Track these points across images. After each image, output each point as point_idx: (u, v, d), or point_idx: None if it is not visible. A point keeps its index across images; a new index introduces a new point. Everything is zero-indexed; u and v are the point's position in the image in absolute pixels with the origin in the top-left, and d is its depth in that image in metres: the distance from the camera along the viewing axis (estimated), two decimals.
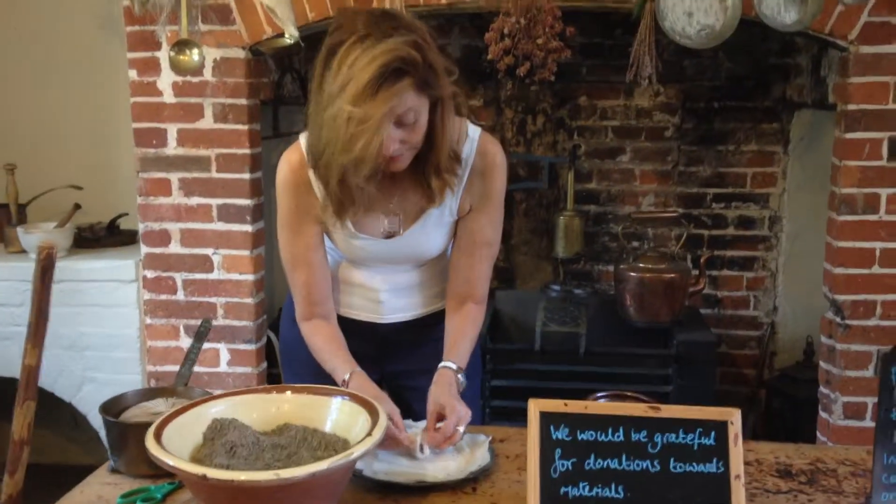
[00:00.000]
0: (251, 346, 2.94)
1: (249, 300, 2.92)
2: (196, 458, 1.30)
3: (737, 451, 1.26)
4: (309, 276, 1.69)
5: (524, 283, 3.69)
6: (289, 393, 1.44)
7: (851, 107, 2.56)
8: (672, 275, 2.90)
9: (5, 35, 3.46)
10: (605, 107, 3.58)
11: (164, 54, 2.78)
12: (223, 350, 2.96)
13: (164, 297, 2.98)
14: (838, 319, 2.66)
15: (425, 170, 1.56)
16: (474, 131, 1.65)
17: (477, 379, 1.93)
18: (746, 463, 1.60)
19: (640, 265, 2.93)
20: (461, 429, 1.55)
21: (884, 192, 2.58)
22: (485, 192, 1.67)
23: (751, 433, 3.34)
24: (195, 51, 2.48)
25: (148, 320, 3.01)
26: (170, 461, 1.19)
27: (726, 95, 3.50)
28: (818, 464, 1.60)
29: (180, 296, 2.97)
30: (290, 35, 2.50)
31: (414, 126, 1.46)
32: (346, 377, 1.62)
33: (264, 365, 3.05)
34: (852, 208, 2.60)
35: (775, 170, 3.51)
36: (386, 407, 1.53)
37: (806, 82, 3.24)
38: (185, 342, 2.97)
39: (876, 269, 2.63)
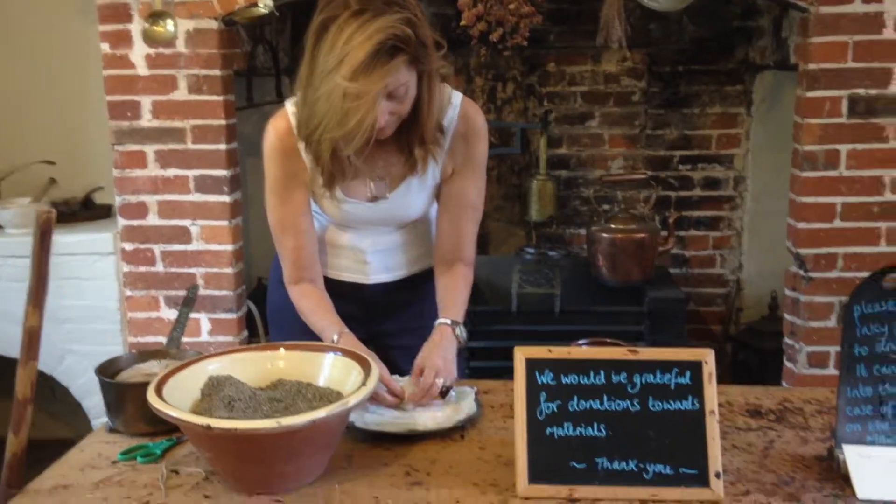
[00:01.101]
0: (232, 315, 2.98)
1: (229, 270, 2.95)
2: (196, 413, 1.35)
3: (711, 388, 1.34)
4: (297, 240, 1.73)
5: (497, 248, 3.76)
6: (282, 350, 1.49)
7: (812, 66, 2.64)
8: (642, 235, 2.98)
9: None
10: (573, 73, 3.65)
11: (136, 27, 2.78)
12: (204, 320, 3.00)
13: (143, 268, 3.00)
14: (802, 272, 2.76)
15: (409, 139, 1.61)
16: (456, 97, 1.70)
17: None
18: (717, 404, 1.69)
19: (612, 226, 3.01)
20: (440, 381, 1.60)
21: (843, 149, 2.67)
22: (467, 157, 1.72)
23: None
24: (169, 21, 2.50)
25: (128, 292, 3.03)
26: (174, 413, 1.24)
27: (691, 59, 3.58)
28: (785, 403, 1.69)
29: (159, 267, 2.99)
30: (265, 4, 2.52)
31: (403, 98, 1.51)
32: (336, 338, 1.67)
33: (245, 333, 3.09)
34: (814, 165, 2.69)
35: (739, 131, 3.61)
36: (376, 361, 1.59)
37: (768, 44, 3.33)
38: (166, 313, 3.00)
39: (837, 223, 2.72)
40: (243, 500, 1.31)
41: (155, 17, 2.50)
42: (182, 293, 2.91)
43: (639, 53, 3.61)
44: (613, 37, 2.35)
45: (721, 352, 3.71)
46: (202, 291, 2.98)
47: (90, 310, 3.11)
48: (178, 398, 1.35)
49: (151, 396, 1.30)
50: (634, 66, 3.63)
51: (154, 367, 1.63)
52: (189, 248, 2.96)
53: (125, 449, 1.49)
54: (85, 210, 3.35)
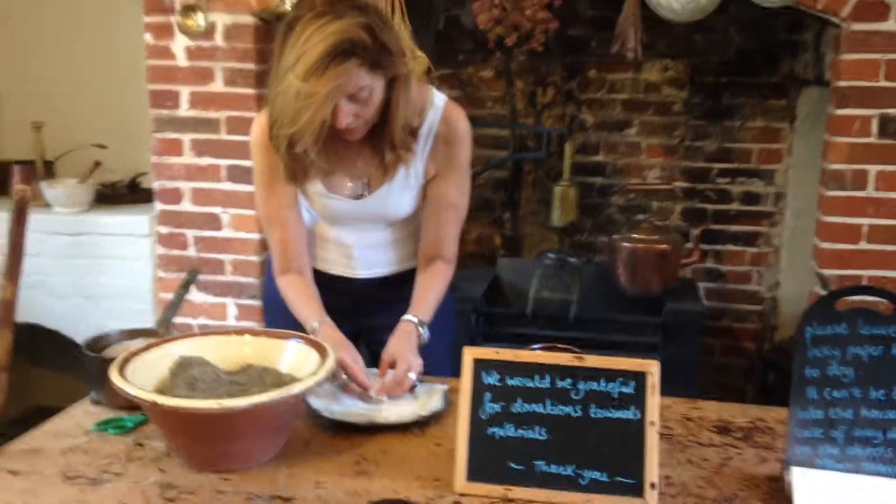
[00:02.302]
0: (257, 302, 3.07)
1: (255, 258, 3.05)
2: (159, 390, 1.42)
3: (653, 399, 1.34)
4: (283, 233, 1.80)
5: (530, 251, 3.76)
6: (247, 336, 1.55)
7: (842, 83, 2.58)
8: (664, 246, 2.96)
9: None
10: (614, 80, 3.63)
11: (177, 19, 2.90)
12: (230, 305, 3.10)
13: (175, 252, 3.12)
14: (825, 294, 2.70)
15: (381, 143, 1.65)
16: (440, 99, 1.74)
17: (448, 337, 2.01)
18: (688, 419, 1.68)
19: (633, 235, 2.99)
20: (412, 375, 1.65)
21: (872, 169, 2.60)
22: (448, 159, 1.76)
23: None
24: (200, 15, 2.60)
25: (160, 273, 3.16)
26: (126, 388, 1.31)
27: (735, 71, 3.52)
28: (758, 422, 1.67)
29: (191, 251, 3.11)
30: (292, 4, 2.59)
31: (367, 101, 1.55)
32: (315, 325, 1.73)
33: None
34: (841, 184, 2.63)
35: (781, 146, 3.53)
36: (349, 353, 1.64)
37: (810, 59, 3.25)
38: (194, 295, 3.11)
39: (863, 245, 2.66)
40: (195, 476, 1.37)
41: (187, 10, 2.60)
42: (211, 278, 3.04)
43: (682, 63, 3.57)
44: (628, 46, 2.35)
45: (753, 370, 3.65)
46: (230, 277, 3.08)
47: (125, 289, 3.25)
48: (145, 375, 1.43)
49: (113, 372, 1.37)
50: (677, 76, 3.59)
51: (140, 345, 1.71)
52: (219, 234, 3.07)
53: (101, 420, 1.57)
54: (130, 193, 3.49)
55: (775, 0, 2.24)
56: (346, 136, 1.62)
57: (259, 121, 1.74)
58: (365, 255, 1.87)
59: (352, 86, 1.51)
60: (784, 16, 3.36)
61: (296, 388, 1.32)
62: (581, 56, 3.60)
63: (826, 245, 2.67)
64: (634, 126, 3.63)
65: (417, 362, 1.68)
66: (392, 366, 1.67)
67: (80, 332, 3.31)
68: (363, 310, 1.94)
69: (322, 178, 1.73)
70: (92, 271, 3.26)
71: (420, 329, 1.76)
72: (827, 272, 2.69)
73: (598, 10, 3.52)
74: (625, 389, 1.35)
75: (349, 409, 1.61)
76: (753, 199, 3.60)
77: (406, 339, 1.71)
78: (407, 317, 1.76)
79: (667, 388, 2.59)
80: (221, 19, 2.87)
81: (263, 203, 1.80)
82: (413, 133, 1.68)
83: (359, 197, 1.76)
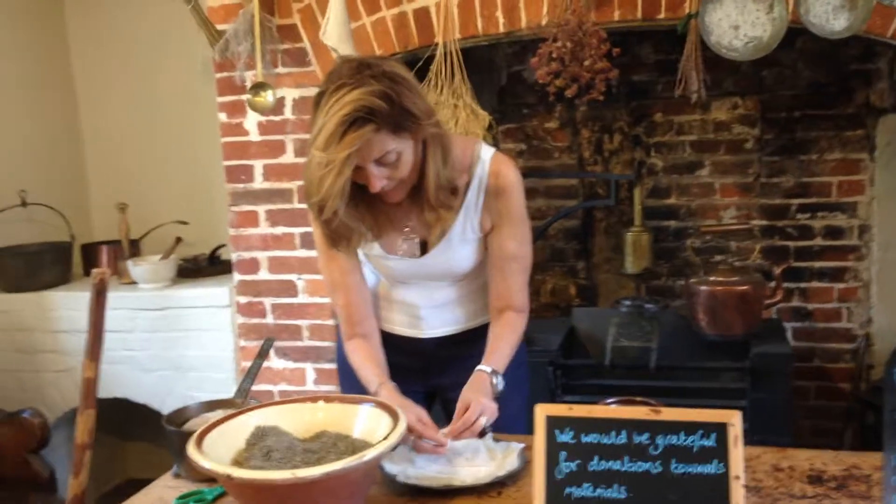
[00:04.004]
0: (333, 365, 3.09)
1: (331, 322, 3.08)
2: (236, 462, 1.43)
3: (737, 452, 1.29)
4: (347, 297, 1.82)
5: (607, 300, 3.71)
6: (321, 402, 1.56)
7: None
8: (744, 287, 2.87)
9: (114, 81, 3.80)
10: (681, 122, 3.59)
11: (248, 97, 3.00)
12: (309, 370, 3.14)
13: (255, 320, 3.19)
14: None
15: (421, 202, 1.67)
16: (487, 153, 1.75)
17: (524, 393, 1.99)
18: (778, 469, 1.61)
19: (712, 278, 2.92)
20: (483, 419, 1.63)
21: None
22: (502, 211, 1.76)
23: (848, 448, 3.23)
24: (269, 92, 2.69)
25: (241, 342, 3.22)
26: (202, 462, 1.33)
27: (807, 104, 3.44)
28: (853, 469, 1.59)
29: (269, 319, 3.17)
30: None
31: (396, 164, 1.58)
32: (375, 389, 1.73)
33: None
34: None
35: (862, 177, 3.42)
36: (412, 412, 1.63)
37: (886, 87, 3.16)
38: (276, 362, 3.16)
39: None
40: None
41: (256, 88, 2.70)
42: (289, 344, 3.08)
43: (751, 100, 3.51)
44: (692, 88, 2.32)
45: (850, 412, 3.48)
46: (307, 342, 3.13)
47: (209, 359, 3.33)
48: (223, 446, 1.44)
49: (190, 446, 1.39)
50: (747, 113, 3.53)
51: (219, 416, 1.74)
52: (295, 301, 3.12)
53: (183, 493, 1.59)
54: (210, 265, 3.59)
55: (841, 30, 2.18)
56: (386, 200, 1.64)
57: None
58: (432, 315, 1.88)
59: (376, 151, 1.53)
60: (855, 45, 3.29)
61: (368, 455, 1.31)
62: (646, 100, 3.59)
63: None
64: (706, 167, 3.58)
65: (491, 407, 1.67)
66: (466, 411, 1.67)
67: (166, 404, 3.39)
68: (432, 368, 1.93)
69: (377, 240, 1.75)
70: (177, 344, 3.35)
71: (494, 378, 1.74)
72: None
73: (661, 55, 3.51)
74: (706, 443, 1.30)
75: (424, 472, 1.59)
76: (837, 234, 3.49)
77: (479, 385, 1.71)
78: (480, 367, 1.76)
79: (758, 436, 2.51)
80: (290, 94, 2.97)
81: (326, 269, 1.83)
82: (454, 191, 1.68)
83: (418, 256, 1.77)
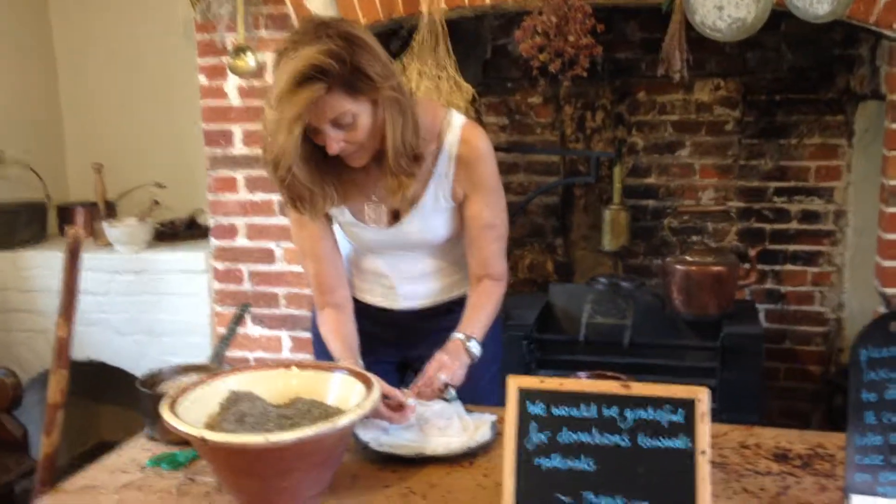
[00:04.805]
0: (309, 334, 3.09)
1: (307, 290, 3.08)
2: (209, 426, 1.44)
3: (704, 427, 1.31)
4: (317, 266, 1.81)
5: (583, 277, 3.73)
6: (295, 369, 1.56)
7: None
8: (719, 268, 2.90)
9: (93, 42, 3.74)
10: (664, 101, 3.59)
11: (229, 60, 2.97)
12: (285, 337, 3.14)
13: (232, 287, 3.18)
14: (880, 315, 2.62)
15: (385, 168, 1.65)
16: (458, 121, 1.73)
17: (496, 365, 2.00)
18: (744, 447, 1.64)
19: (687, 258, 2.95)
20: (443, 376, 1.66)
21: None
22: (474, 179, 1.75)
23: (816, 430, 3.29)
24: (249, 55, 2.66)
25: (217, 308, 3.21)
26: (176, 424, 1.33)
27: (789, 88, 3.46)
28: (818, 448, 1.62)
29: (247, 286, 3.16)
30: None
31: (353, 126, 1.56)
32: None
33: None
34: None
35: (840, 163, 3.44)
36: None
37: (866, 73, 3.18)
38: (252, 329, 3.16)
39: None
40: None
41: (237, 50, 2.67)
42: (265, 311, 3.08)
43: (734, 82, 3.52)
44: (674, 67, 2.32)
45: (819, 394, 3.54)
46: (284, 310, 3.12)
47: (184, 324, 3.32)
48: (196, 410, 1.44)
49: (164, 409, 1.39)
50: (729, 95, 3.54)
51: (192, 381, 1.74)
52: (273, 268, 3.11)
53: (155, 456, 1.60)
54: (188, 230, 3.57)
55: (824, 15, 2.19)
56: (349, 164, 1.63)
57: None
58: (405, 286, 1.87)
59: (329, 112, 1.51)
60: (837, 30, 3.30)
61: (341, 421, 1.32)
62: (630, 79, 3.58)
63: (889, 263, 2.60)
64: (686, 147, 3.59)
65: (452, 367, 1.68)
66: None
67: (141, 368, 3.37)
68: (406, 339, 1.94)
69: (345, 205, 1.74)
70: (152, 308, 3.34)
71: (468, 344, 1.75)
72: (890, 291, 2.61)
73: (646, 33, 3.50)
74: (674, 418, 1.32)
75: (397, 440, 1.61)
76: (813, 218, 3.52)
77: (450, 350, 1.72)
78: (454, 333, 1.76)
79: (727, 414, 2.54)
80: (272, 58, 2.92)
81: (297, 237, 1.82)
82: (416, 158, 1.65)
83: (385, 223, 1.77)
